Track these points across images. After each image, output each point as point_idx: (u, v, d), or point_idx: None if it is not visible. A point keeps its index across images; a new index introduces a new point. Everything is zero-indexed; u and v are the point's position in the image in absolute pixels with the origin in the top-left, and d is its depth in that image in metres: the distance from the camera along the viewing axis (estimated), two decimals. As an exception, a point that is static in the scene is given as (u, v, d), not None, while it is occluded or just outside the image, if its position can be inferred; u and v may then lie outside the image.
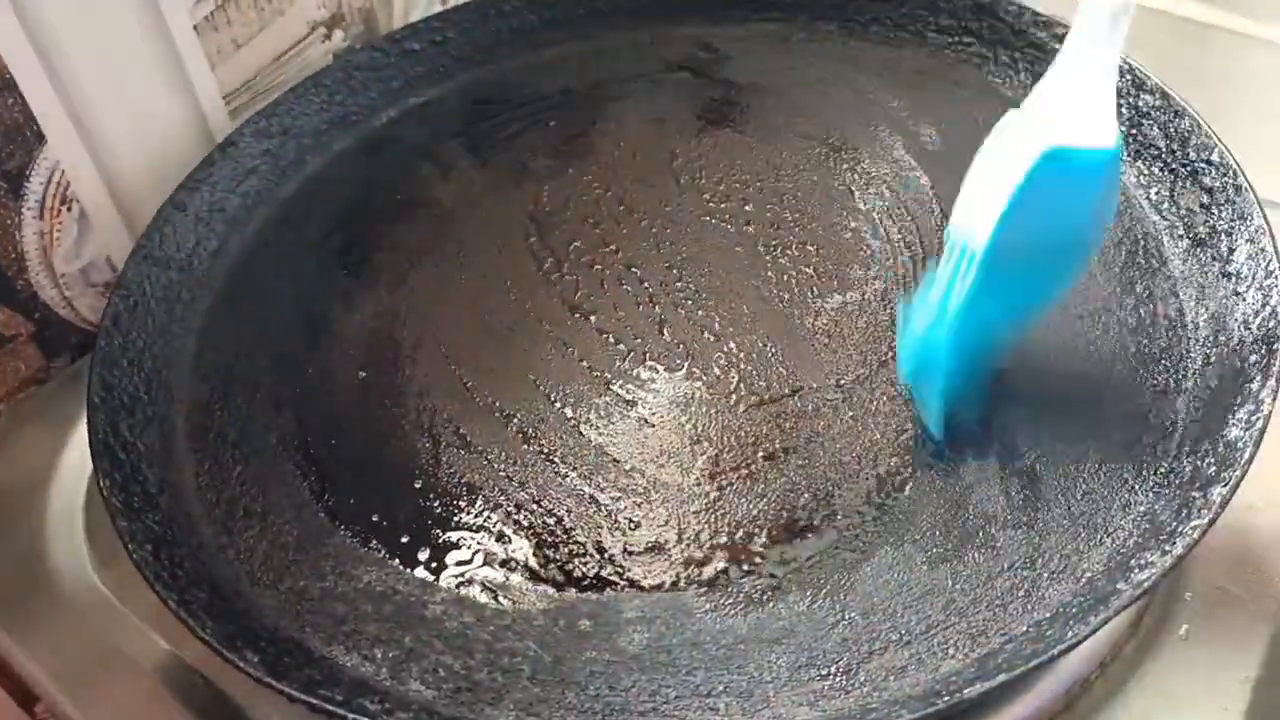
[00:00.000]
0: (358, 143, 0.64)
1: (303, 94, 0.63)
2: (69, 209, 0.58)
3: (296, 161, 0.62)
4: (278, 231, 0.59)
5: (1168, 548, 0.40)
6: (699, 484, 0.47)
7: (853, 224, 0.56)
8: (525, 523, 0.46)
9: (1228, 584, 0.48)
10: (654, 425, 0.49)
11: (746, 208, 0.57)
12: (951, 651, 0.41)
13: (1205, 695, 0.45)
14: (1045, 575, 0.42)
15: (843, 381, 0.49)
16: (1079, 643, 0.38)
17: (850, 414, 0.48)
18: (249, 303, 0.56)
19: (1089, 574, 0.42)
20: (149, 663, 0.49)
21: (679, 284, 0.54)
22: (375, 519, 0.47)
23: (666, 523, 0.46)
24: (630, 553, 0.45)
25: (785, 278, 0.54)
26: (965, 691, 0.37)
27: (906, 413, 0.48)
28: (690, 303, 0.54)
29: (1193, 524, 0.40)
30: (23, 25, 0.53)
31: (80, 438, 0.57)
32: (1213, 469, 0.42)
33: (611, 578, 0.44)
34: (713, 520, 0.45)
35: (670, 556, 0.45)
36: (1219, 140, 0.52)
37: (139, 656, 0.49)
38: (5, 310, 0.57)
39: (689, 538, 0.45)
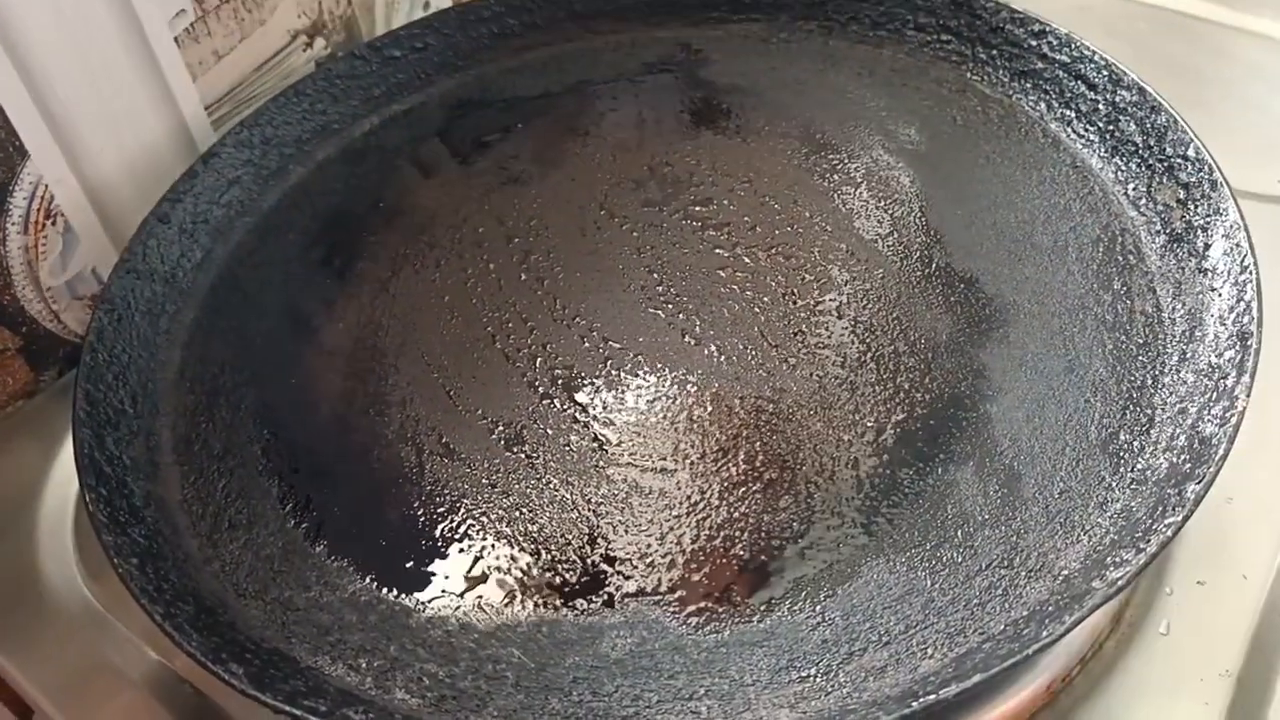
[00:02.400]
0: (340, 151, 0.64)
1: (284, 103, 0.63)
2: (53, 223, 0.58)
3: (279, 171, 0.62)
4: (261, 242, 0.59)
5: (1142, 545, 0.40)
6: (680, 489, 0.47)
7: (833, 224, 0.56)
8: (509, 531, 0.47)
9: (1208, 578, 0.48)
10: (637, 431, 0.49)
11: (728, 208, 0.58)
12: (930, 651, 0.41)
13: (1187, 690, 0.45)
14: (1023, 574, 0.42)
15: (824, 383, 0.50)
16: (1054, 642, 0.38)
17: (830, 415, 0.48)
18: (233, 314, 0.56)
19: (1066, 572, 0.42)
20: (139, 674, 0.50)
21: (659, 287, 0.55)
22: (359, 529, 0.47)
23: (649, 529, 0.46)
24: (613, 559, 0.45)
25: (766, 279, 0.54)
26: (942, 691, 0.37)
27: (886, 414, 0.48)
28: (671, 306, 0.54)
29: (1167, 521, 0.41)
30: (2, 41, 0.53)
31: (69, 452, 0.57)
32: (1188, 466, 0.43)
33: (595, 584, 0.44)
34: (695, 524, 0.46)
35: (653, 562, 0.45)
36: (1195, 136, 0.52)
37: (129, 668, 0.50)
38: (-8, 324, 0.58)
39: (671, 543, 0.45)
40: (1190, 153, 0.52)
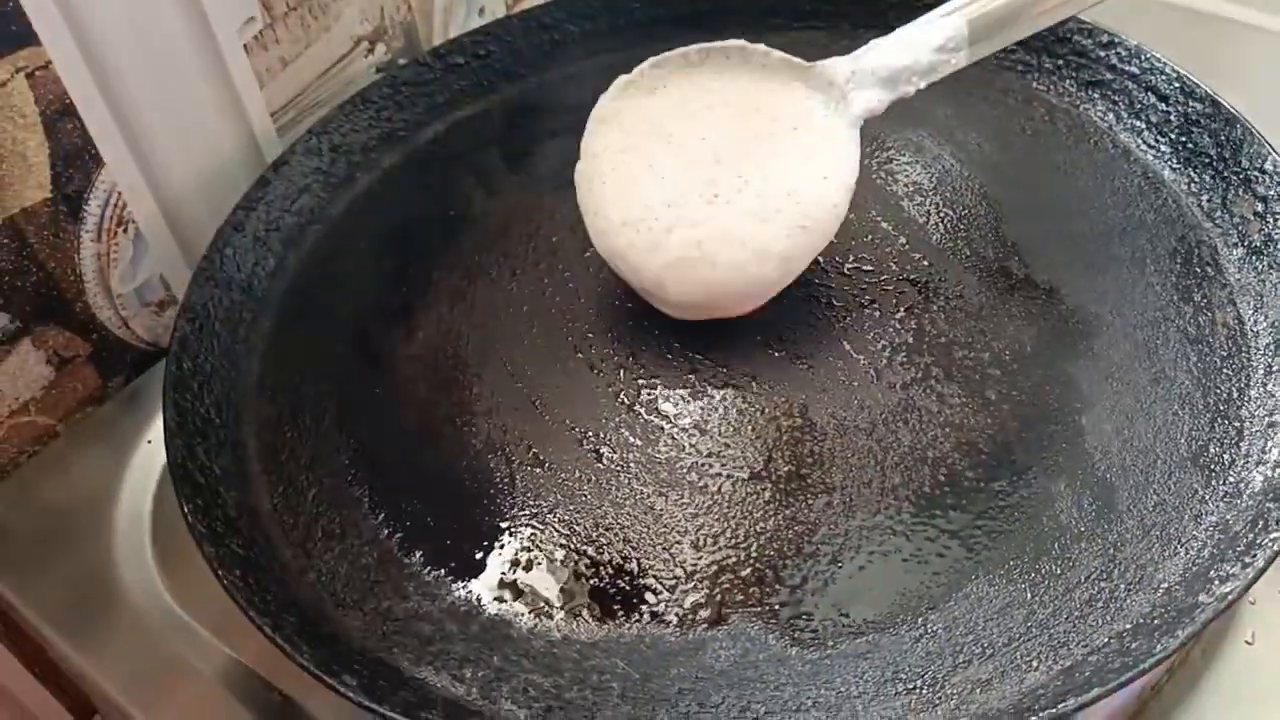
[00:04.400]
0: (405, 159, 0.64)
1: (350, 110, 0.63)
2: (125, 230, 0.59)
3: (347, 179, 0.62)
4: (333, 250, 0.59)
5: (1247, 559, 0.41)
6: (774, 500, 0.47)
7: (908, 235, 0.56)
8: (604, 540, 0.47)
9: (1292, 588, 0.49)
10: (726, 443, 0.49)
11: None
12: (1035, 664, 0.41)
13: (1273, 699, 0.46)
14: (1123, 586, 0.43)
15: (910, 394, 0.50)
16: (1168, 656, 0.38)
17: (919, 428, 0.49)
18: (309, 323, 0.56)
19: (1166, 585, 0.43)
20: (211, 668, 0.50)
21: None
22: (453, 540, 0.47)
23: (745, 540, 0.46)
24: (711, 569, 0.45)
25: (847, 289, 0.54)
26: (1059, 705, 0.38)
27: (976, 426, 0.48)
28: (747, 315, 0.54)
29: (1272, 535, 0.41)
30: (82, 52, 0.53)
31: (141, 456, 0.58)
32: (1285, 480, 0.43)
33: (695, 594, 0.45)
34: (792, 536, 0.46)
35: (750, 572, 0.45)
36: (1273, 149, 0.52)
37: (201, 662, 0.50)
38: (64, 332, 0.58)
39: (771, 553, 0.46)
40: (1269, 166, 0.52)
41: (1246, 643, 0.47)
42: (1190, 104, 0.56)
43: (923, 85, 0.51)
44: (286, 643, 0.41)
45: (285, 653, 0.41)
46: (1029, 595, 0.43)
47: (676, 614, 0.44)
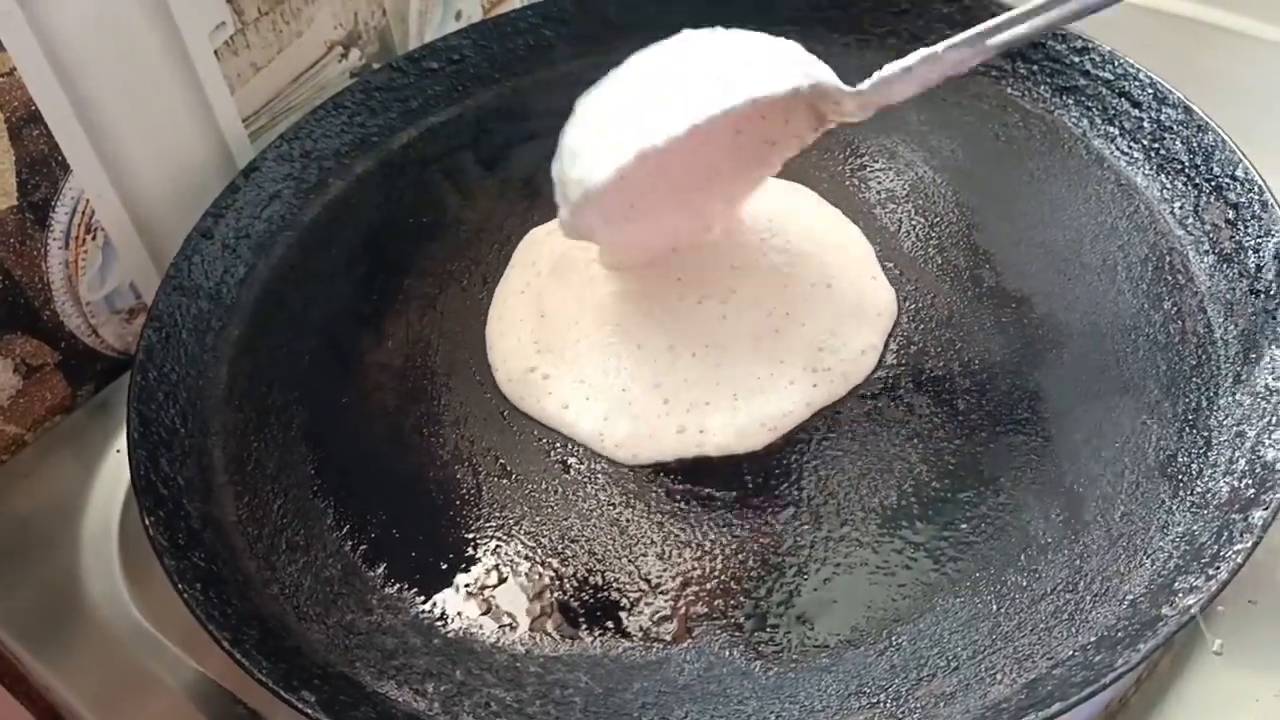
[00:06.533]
0: (378, 164, 0.64)
1: (323, 116, 0.63)
2: (93, 237, 0.58)
3: (319, 185, 0.62)
4: (304, 257, 0.59)
5: (1211, 571, 0.41)
6: (741, 510, 0.47)
7: (880, 242, 0.56)
8: (570, 552, 0.47)
9: (1260, 597, 0.48)
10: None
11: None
12: (999, 677, 0.41)
13: (1243, 711, 0.46)
14: (1088, 598, 0.43)
15: (879, 406, 0.50)
16: (1131, 669, 0.38)
17: (888, 438, 0.49)
18: (279, 331, 0.56)
19: (1131, 596, 0.42)
20: (178, 682, 0.50)
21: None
22: (417, 552, 0.47)
23: (712, 551, 0.46)
24: (676, 582, 0.45)
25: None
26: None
27: (945, 437, 0.48)
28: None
29: (1235, 548, 0.41)
30: (47, 58, 0.53)
31: (109, 466, 0.58)
32: (1251, 491, 0.43)
33: (659, 607, 0.45)
34: (758, 548, 0.46)
35: (716, 585, 0.45)
36: (1244, 155, 0.52)
37: (168, 676, 0.50)
38: (32, 340, 0.57)
39: (735, 566, 0.45)
40: (1239, 172, 0.52)
41: (1215, 653, 0.47)
42: (1163, 110, 0.56)
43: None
44: (245, 657, 0.41)
45: (244, 667, 0.41)
46: (995, 607, 0.43)
47: (641, 627, 0.44)
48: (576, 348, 0.52)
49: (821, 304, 0.52)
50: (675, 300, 0.53)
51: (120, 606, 0.53)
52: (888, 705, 0.41)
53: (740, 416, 0.49)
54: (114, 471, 0.57)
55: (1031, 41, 0.61)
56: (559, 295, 0.54)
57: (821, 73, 0.48)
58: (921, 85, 0.47)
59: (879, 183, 0.59)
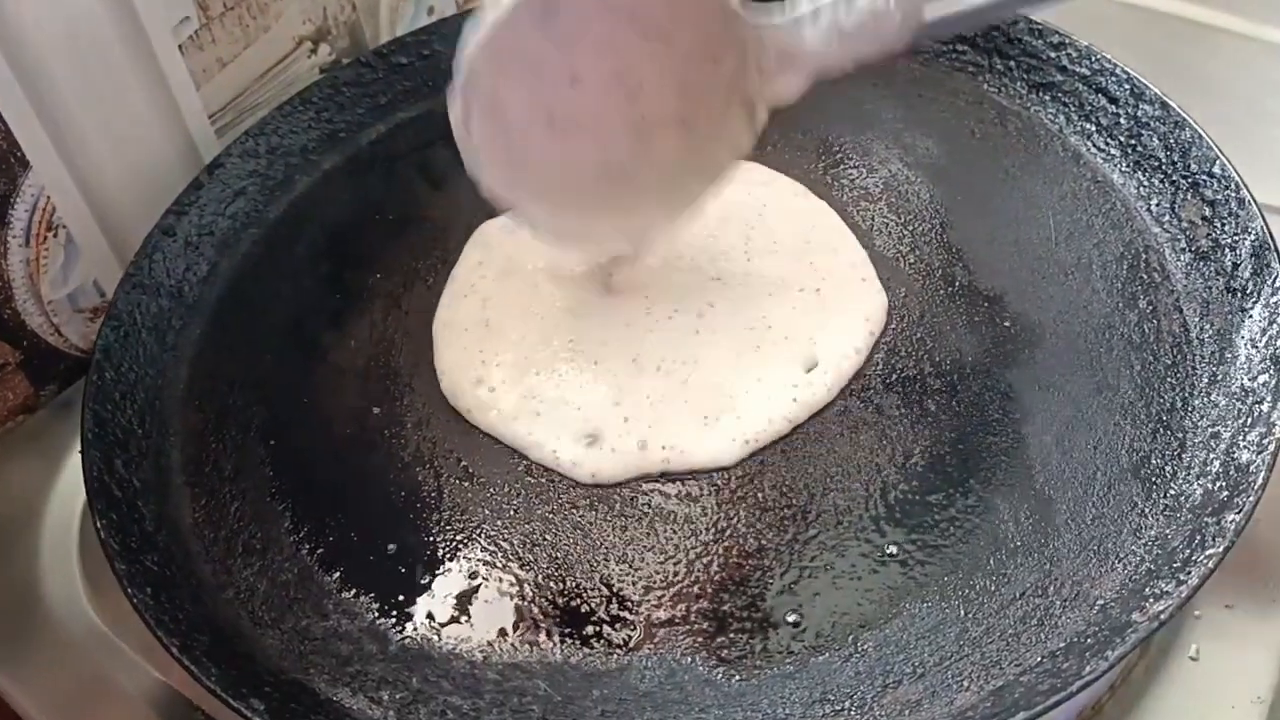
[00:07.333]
0: (346, 160, 0.63)
1: (290, 112, 0.62)
2: (55, 235, 0.57)
3: (285, 181, 0.61)
4: (268, 254, 0.58)
5: (1182, 577, 0.40)
6: (706, 516, 0.46)
7: (852, 240, 0.55)
8: (531, 557, 0.46)
9: (1237, 602, 0.48)
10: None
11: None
12: (966, 684, 0.40)
13: (1217, 716, 0.45)
14: (1058, 603, 0.42)
15: (849, 406, 0.49)
16: (1098, 677, 0.37)
17: (856, 440, 0.48)
18: (241, 330, 0.55)
19: (1102, 602, 0.41)
20: (139, 691, 0.49)
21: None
22: (376, 556, 0.46)
23: (675, 556, 0.45)
24: (639, 587, 0.44)
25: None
26: (984, 730, 0.37)
27: (914, 439, 0.47)
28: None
29: (1207, 552, 0.40)
30: (4, 51, 0.51)
31: (72, 467, 0.57)
32: (1225, 494, 0.42)
33: (621, 613, 0.44)
34: (721, 553, 0.45)
35: (680, 591, 0.44)
36: (1221, 152, 0.51)
37: (130, 685, 0.49)
38: (-8, 340, 0.57)
39: (699, 571, 0.45)
40: (1216, 169, 0.51)
41: (1191, 658, 0.46)
42: (1140, 106, 0.55)
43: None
44: (195, 664, 0.40)
45: (192, 674, 0.40)
46: (963, 612, 0.42)
47: (602, 634, 0.43)
48: (525, 361, 0.51)
49: (808, 312, 0.51)
50: (641, 314, 0.52)
51: (79, 611, 0.52)
52: (852, 713, 0.40)
53: (712, 434, 0.48)
54: (76, 473, 0.56)
55: (1009, 37, 0.60)
56: (506, 302, 0.53)
57: None
58: (842, 40, 0.47)
59: (852, 181, 0.58)
